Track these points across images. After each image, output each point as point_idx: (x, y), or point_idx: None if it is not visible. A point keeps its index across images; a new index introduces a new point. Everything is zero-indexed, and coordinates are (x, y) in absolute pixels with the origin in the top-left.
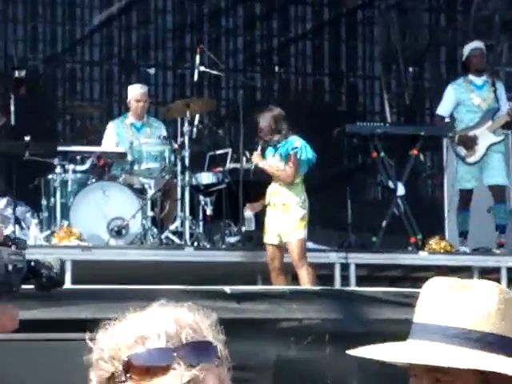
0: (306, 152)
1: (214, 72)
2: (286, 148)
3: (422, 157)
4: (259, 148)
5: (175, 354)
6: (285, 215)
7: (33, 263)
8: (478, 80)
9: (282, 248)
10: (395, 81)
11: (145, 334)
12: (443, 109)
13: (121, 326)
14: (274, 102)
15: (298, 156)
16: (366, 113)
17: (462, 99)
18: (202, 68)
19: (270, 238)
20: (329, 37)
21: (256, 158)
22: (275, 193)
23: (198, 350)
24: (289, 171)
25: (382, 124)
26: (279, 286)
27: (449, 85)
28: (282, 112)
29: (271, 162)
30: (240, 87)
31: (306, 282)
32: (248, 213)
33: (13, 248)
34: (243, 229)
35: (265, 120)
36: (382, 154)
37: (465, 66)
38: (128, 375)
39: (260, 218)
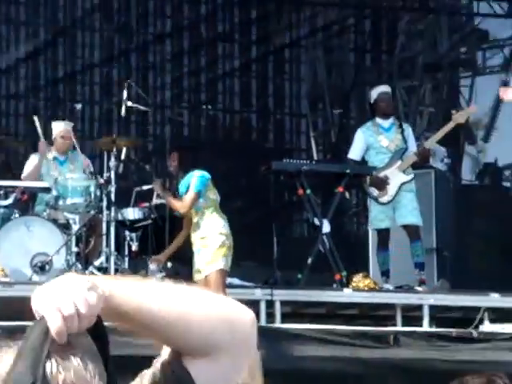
0: (199, 183)
1: (142, 107)
2: (186, 184)
3: (347, 194)
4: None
5: None
6: (204, 249)
7: None
8: (385, 122)
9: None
10: (321, 119)
11: None
12: (354, 153)
13: None
14: (201, 138)
15: (194, 189)
16: (292, 150)
17: (371, 142)
18: (130, 103)
19: (195, 275)
20: (256, 74)
21: (157, 186)
22: (193, 230)
23: None
24: (184, 202)
25: (308, 161)
26: None
27: (358, 129)
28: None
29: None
30: (167, 123)
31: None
32: (152, 266)
33: None
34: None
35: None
36: (308, 191)
37: (372, 109)
38: None
39: (187, 254)
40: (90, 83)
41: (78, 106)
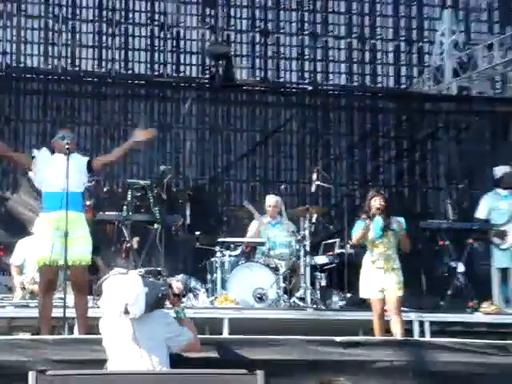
0: None
1: (326, 185)
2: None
3: (475, 244)
4: None
5: None
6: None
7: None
8: (504, 192)
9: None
10: (455, 190)
11: None
12: (480, 213)
13: None
14: None
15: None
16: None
17: (494, 206)
18: (318, 182)
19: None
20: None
21: None
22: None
23: None
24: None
25: (446, 221)
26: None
27: (483, 196)
28: None
29: None
30: (344, 196)
31: (398, 332)
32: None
33: (161, 280)
34: None
35: None
36: (447, 242)
37: (496, 183)
38: None
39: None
40: (290, 170)
41: (282, 186)
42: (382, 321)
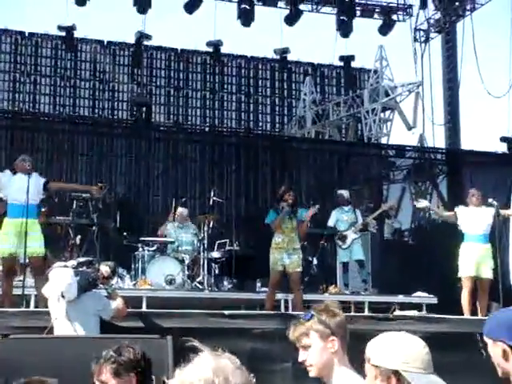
0: None
1: (219, 200)
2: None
3: (325, 244)
4: None
5: None
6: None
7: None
8: (346, 208)
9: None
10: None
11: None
12: (330, 222)
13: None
14: None
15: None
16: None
17: (339, 217)
18: (214, 198)
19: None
20: None
21: None
22: None
23: None
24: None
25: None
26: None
27: (333, 211)
28: None
29: None
30: (232, 207)
31: (299, 303)
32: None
33: (91, 269)
34: None
35: None
36: (305, 242)
37: (338, 202)
38: None
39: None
40: (194, 186)
41: (183, 199)
42: (275, 290)
